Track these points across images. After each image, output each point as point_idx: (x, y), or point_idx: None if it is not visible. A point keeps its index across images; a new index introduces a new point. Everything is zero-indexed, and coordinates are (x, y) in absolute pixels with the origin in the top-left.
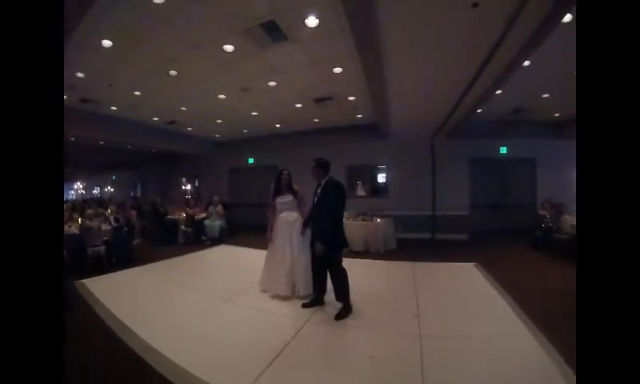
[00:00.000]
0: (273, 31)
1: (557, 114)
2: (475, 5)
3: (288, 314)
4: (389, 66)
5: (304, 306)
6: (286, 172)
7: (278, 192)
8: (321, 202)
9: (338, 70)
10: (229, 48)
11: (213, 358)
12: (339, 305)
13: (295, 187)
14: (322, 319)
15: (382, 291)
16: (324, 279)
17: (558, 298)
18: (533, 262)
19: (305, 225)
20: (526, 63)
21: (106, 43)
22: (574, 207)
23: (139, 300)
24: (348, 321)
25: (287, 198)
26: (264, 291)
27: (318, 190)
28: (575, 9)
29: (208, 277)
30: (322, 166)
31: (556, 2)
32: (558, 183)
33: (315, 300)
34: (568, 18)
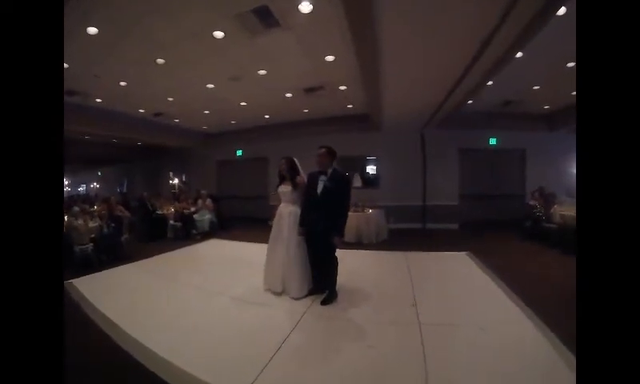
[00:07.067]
0: (265, 17)
1: (547, 106)
2: None
3: (284, 307)
4: (383, 55)
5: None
6: (282, 160)
7: (282, 180)
8: (330, 192)
9: (330, 58)
10: (219, 34)
11: (211, 355)
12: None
13: (298, 178)
14: (319, 311)
15: (377, 281)
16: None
17: (550, 285)
18: (523, 250)
19: (302, 224)
20: (519, 55)
21: (92, 30)
22: (563, 198)
23: (131, 298)
24: (346, 311)
25: (286, 189)
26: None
27: (323, 178)
28: (569, 2)
29: (201, 271)
30: (332, 154)
31: None
32: (547, 174)
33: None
34: (562, 10)
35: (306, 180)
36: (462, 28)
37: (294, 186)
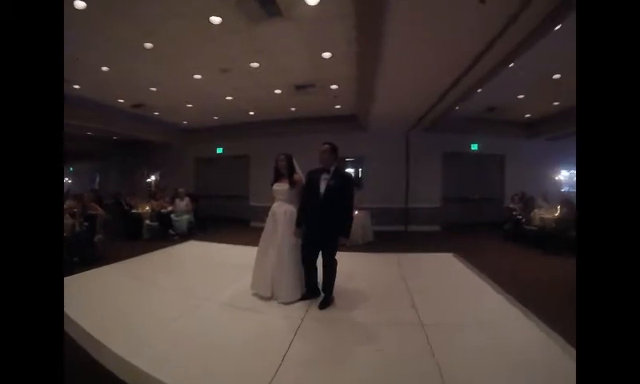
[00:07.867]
0: (267, 5)
1: (528, 115)
2: (482, 0)
3: (279, 313)
4: (383, 55)
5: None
6: (281, 156)
7: (277, 178)
8: (334, 191)
9: (326, 54)
10: (216, 20)
11: (208, 368)
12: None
13: (296, 176)
14: (318, 315)
15: (372, 283)
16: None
17: (539, 282)
18: (506, 251)
19: (298, 225)
20: (510, 64)
21: (79, 5)
22: (540, 202)
23: (107, 305)
24: (346, 314)
25: (282, 186)
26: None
27: (326, 177)
28: (566, 20)
29: (182, 275)
30: (336, 151)
31: (557, 7)
32: (525, 179)
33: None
34: (558, 26)
35: (303, 178)
36: (464, 35)
37: (291, 184)
